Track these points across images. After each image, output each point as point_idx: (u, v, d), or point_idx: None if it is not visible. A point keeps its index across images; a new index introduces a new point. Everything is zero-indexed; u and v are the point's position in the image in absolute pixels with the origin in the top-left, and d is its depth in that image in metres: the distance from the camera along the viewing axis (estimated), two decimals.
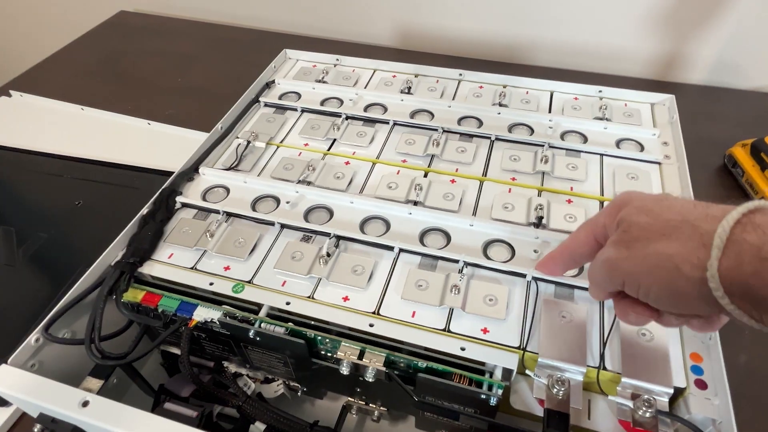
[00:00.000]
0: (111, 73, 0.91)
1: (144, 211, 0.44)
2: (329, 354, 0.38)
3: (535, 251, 0.40)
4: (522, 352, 0.35)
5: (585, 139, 0.51)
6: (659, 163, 0.48)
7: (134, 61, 0.94)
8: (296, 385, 0.44)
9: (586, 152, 0.49)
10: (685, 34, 0.78)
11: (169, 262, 0.42)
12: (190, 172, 0.49)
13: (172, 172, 0.48)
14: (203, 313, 0.38)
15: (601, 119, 0.53)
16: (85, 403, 0.32)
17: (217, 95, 0.83)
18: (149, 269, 0.41)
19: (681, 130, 0.50)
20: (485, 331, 0.36)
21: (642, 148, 0.50)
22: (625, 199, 0.29)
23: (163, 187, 0.46)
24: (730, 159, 0.65)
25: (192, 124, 0.76)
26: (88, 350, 0.36)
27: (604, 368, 0.34)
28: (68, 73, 0.92)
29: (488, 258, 0.41)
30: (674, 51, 0.80)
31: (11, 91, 0.85)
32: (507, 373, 0.35)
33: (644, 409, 0.32)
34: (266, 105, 0.58)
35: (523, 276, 0.39)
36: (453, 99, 0.57)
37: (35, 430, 0.34)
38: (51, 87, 0.86)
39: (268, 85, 0.60)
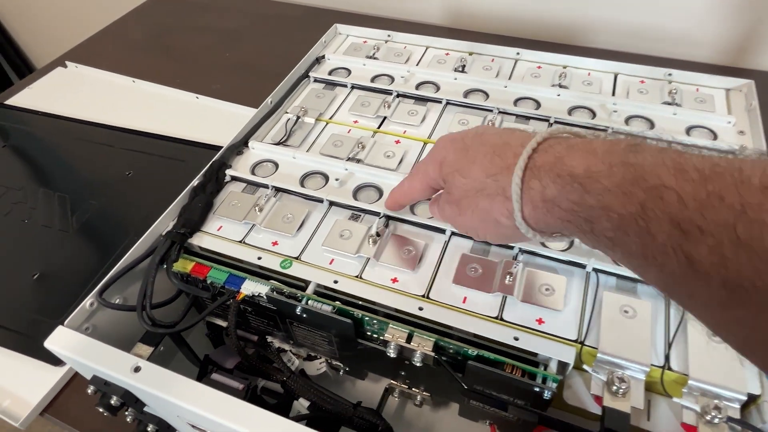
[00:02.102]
0: (160, 48, 0.93)
1: (195, 182, 0.44)
2: (376, 335, 0.37)
3: None
4: (580, 345, 0.33)
5: (652, 125, 0.48)
6: (734, 154, 0.44)
7: (183, 35, 0.95)
8: (338, 364, 0.43)
9: (653, 139, 0.46)
10: (761, 17, 0.72)
11: (218, 234, 0.41)
12: (240, 145, 0.49)
13: (219, 147, 0.48)
14: (251, 287, 0.38)
15: (670, 104, 0.49)
16: (137, 369, 0.32)
17: (264, 71, 0.83)
18: (198, 240, 0.41)
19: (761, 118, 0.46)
20: (540, 321, 0.34)
21: (715, 137, 0.46)
22: (442, 154, 0.32)
23: (213, 160, 0.46)
24: None
25: (239, 99, 0.76)
26: (140, 317, 0.36)
27: (669, 368, 0.32)
28: (119, 47, 0.94)
29: (545, 246, 0.39)
30: (747, 35, 0.74)
31: (67, 62, 0.87)
32: (561, 366, 0.33)
33: (713, 414, 0.30)
34: (316, 80, 0.57)
35: (583, 267, 0.37)
36: (509, 79, 0.55)
37: (89, 390, 0.35)
38: (103, 59, 0.88)
39: (318, 60, 0.59)
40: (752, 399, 0.31)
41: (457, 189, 0.30)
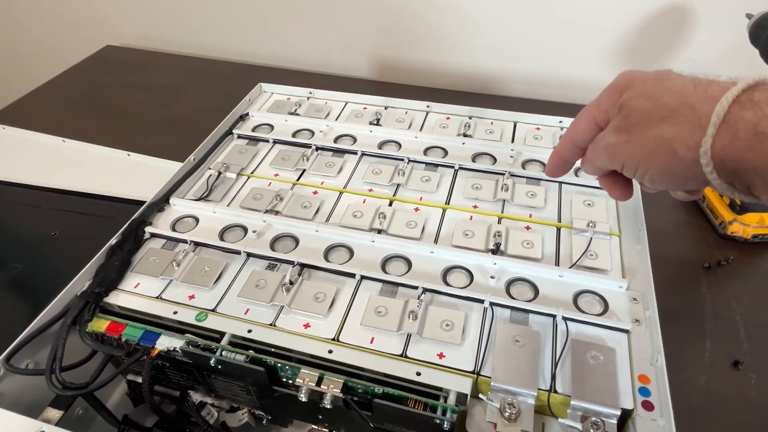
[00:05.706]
0: (94, 106, 0.93)
1: (113, 241, 0.45)
2: (290, 381, 0.38)
3: (492, 277, 0.42)
4: (476, 376, 0.35)
5: (544, 167, 0.53)
6: None
7: (118, 94, 0.96)
8: (261, 413, 0.44)
9: (545, 180, 0.51)
10: (646, 66, 0.81)
11: (135, 291, 0.42)
12: (161, 202, 0.50)
13: None
14: (166, 342, 0.38)
15: None
16: None
17: (197, 127, 0.84)
18: (115, 299, 0.42)
19: None
20: (441, 356, 0.37)
21: None
22: (627, 81, 0.30)
23: (132, 218, 0.47)
24: None
25: (172, 155, 0.77)
26: (48, 380, 0.36)
27: (555, 391, 0.35)
28: (52, 106, 0.94)
29: (447, 284, 0.42)
30: None
31: None
32: (463, 397, 0.35)
33: (593, 431, 0.32)
34: (239, 137, 0.60)
35: (481, 302, 0.40)
36: (420, 130, 0.59)
37: None
38: (34, 119, 0.87)
39: (242, 117, 0.62)
40: (627, 414, 0.34)
41: (637, 113, 0.28)
